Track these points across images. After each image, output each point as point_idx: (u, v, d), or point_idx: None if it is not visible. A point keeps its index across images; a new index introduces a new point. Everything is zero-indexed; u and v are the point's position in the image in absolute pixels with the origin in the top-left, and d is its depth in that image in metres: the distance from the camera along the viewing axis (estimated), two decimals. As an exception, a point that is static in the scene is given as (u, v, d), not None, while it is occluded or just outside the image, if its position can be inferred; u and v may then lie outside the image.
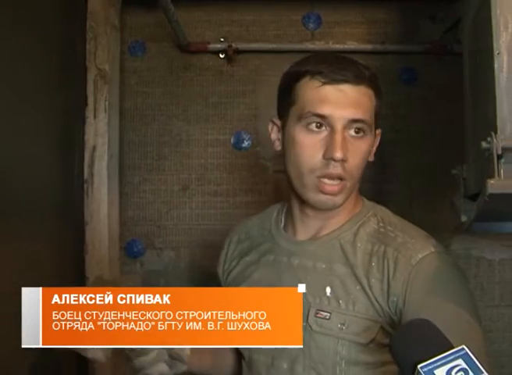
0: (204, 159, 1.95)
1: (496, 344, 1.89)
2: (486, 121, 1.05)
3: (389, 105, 1.92)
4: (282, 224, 1.24)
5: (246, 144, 1.95)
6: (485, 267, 1.92)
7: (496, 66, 1.00)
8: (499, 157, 0.97)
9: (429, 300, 1.02)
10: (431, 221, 1.86)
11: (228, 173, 1.95)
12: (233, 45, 1.92)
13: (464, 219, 1.24)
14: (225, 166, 1.95)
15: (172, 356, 1.17)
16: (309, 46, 1.92)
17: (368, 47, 1.92)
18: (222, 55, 1.95)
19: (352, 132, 1.08)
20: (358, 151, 1.08)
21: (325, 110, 1.07)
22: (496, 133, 0.97)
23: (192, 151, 1.95)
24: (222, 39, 1.94)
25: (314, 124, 1.08)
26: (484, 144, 0.98)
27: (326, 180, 1.08)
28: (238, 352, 1.30)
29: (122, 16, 1.90)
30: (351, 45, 1.92)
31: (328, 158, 1.06)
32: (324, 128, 1.08)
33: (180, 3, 1.69)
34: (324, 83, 1.08)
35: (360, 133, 1.08)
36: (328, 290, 1.11)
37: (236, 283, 1.27)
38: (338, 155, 1.05)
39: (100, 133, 1.76)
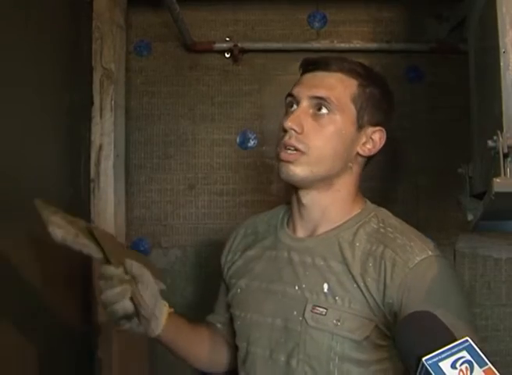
0: (210, 158, 1.95)
1: (504, 343, 1.88)
2: (492, 119, 1.05)
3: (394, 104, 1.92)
4: (286, 221, 1.28)
5: (251, 143, 1.95)
6: (491, 266, 1.91)
7: (501, 64, 1.00)
8: (506, 156, 0.96)
9: (426, 303, 1.02)
10: (437, 220, 1.87)
11: (234, 172, 1.95)
12: (239, 45, 1.92)
13: (470, 217, 1.23)
14: (230, 165, 1.95)
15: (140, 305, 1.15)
16: (314, 45, 1.92)
17: (374, 46, 1.92)
18: (227, 55, 1.95)
19: (315, 110, 1.16)
20: (321, 127, 1.16)
21: (293, 90, 1.20)
22: (502, 131, 0.97)
23: (198, 150, 1.96)
24: (227, 38, 1.94)
25: (288, 103, 1.21)
26: (490, 143, 0.98)
27: (283, 149, 1.16)
28: (233, 348, 1.33)
29: (127, 16, 1.90)
30: (357, 44, 1.92)
31: (282, 128, 1.17)
32: (295, 107, 1.18)
33: (186, 3, 1.70)
34: (303, 72, 1.23)
35: (323, 111, 1.16)
36: (325, 286, 1.13)
37: (239, 276, 1.30)
38: (285, 124, 1.15)
39: (106, 132, 1.76)
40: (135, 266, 1.14)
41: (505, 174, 0.96)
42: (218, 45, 1.93)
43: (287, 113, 1.20)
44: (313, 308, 1.12)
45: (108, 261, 1.14)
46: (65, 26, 1.60)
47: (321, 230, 1.20)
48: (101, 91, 1.76)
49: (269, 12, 1.96)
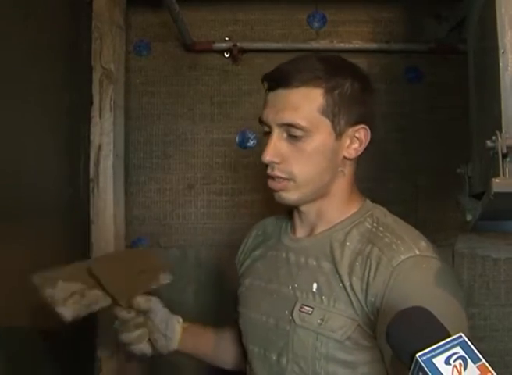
0: (209, 158, 1.96)
1: (503, 343, 1.89)
2: (491, 120, 1.05)
3: (393, 104, 1.92)
4: (290, 225, 1.28)
5: (251, 143, 1.95)
6: (490, 266, 1.91)
7: (500, 64, 1.00)
8: (504, 156, 0.96)
9: (407, 304, 0.96)
10: (436, 220, 1.87)
11: (233, 172, 1.95)
12: (238, 44, 1.92)
13: (469, 217, 1.23)
14: (230, 164, 1.95)
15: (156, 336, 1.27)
16: (314, 45, 1.92)
17: (373, 46, 1.92)
18: (226, 55, 1.95)
19: (288, 135, 1.13)
20: (298, 151, 1.13)
21: (263, 116, 1.16)
22: (500, 131, 0.97)
23: (197, 150, 1.96)
24: (226, 38, 1.95)
25: (264, 129, 1.18)
26: (489, 143, 0.98)
27: (270, 179, 1.17)
28: (241, 346, 1.33)
29: (127, 16, 1.91)
30: (356, 44, 1.92)
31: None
32: (271, 132, 1.15)
33: (185, 3, 1.69)
34: (267, 90, 1.18)
35: (298, 136, 1.12)
36: (314, 286, 1.14)
37: (246, 275, 1.32)
38: (263, 158, 1.14)
39: (105, 132, 1.76)
40: (142, 303, 1.23)
41: (504, 174, 0.96)
42: (218, 45, 1.94)
43: (265, 137, 1.18)
44: (301, 308, 1.13)
45: (117, 302, 1.21)
46: (64, 26, 1.60)
47: (318, 230, 1.20)
48: (101, 91, 1.76)
49: (269, 12, 1.96)
